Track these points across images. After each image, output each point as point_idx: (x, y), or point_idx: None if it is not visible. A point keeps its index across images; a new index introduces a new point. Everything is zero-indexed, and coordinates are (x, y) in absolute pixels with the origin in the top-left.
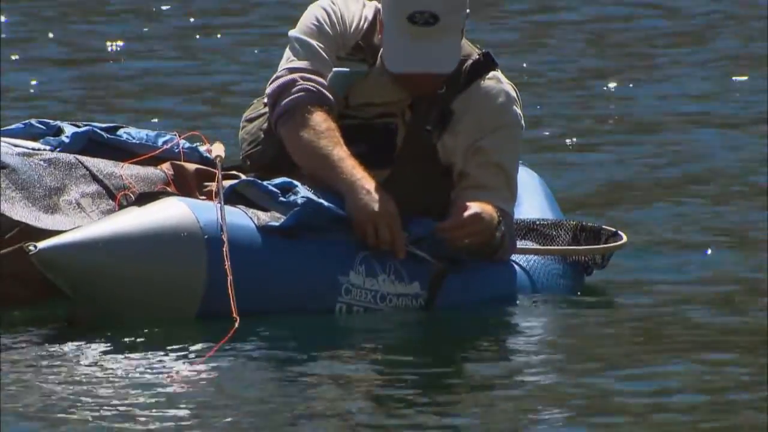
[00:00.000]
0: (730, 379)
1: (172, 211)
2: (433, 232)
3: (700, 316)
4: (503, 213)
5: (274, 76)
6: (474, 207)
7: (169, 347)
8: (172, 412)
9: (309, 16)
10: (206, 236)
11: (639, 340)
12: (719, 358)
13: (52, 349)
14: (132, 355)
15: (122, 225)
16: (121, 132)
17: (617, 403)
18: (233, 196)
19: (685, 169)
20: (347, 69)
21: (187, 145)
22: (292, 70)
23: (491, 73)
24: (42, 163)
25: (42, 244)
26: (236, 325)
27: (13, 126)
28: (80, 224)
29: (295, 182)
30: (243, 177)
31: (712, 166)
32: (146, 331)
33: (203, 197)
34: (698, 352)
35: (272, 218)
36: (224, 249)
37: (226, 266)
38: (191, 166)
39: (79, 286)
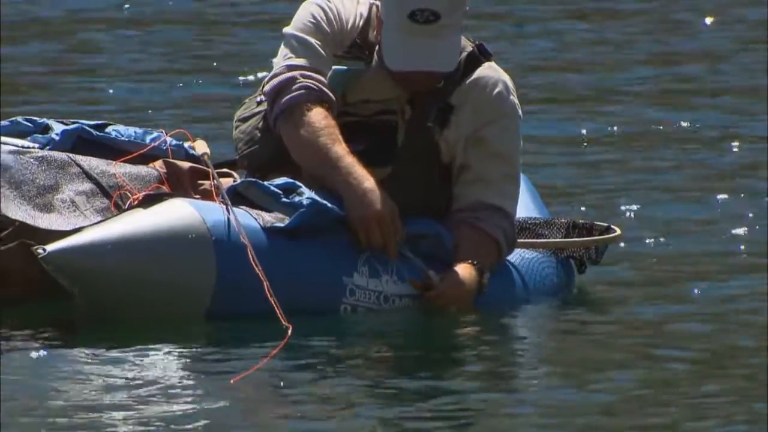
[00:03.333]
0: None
1: (179, 213)
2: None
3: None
4: (503, 214)
5: (272, 74)
6: (453, 279)
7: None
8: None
9: (305, 14)
10: (214, 237)
11: (637, 344)
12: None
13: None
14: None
15: (130, 227)
16: (109, 129)
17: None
18: (233, 197)
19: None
20: (345, 67)
21: (174, 142)
22: (291, 68)
23: (486, 64)
24: (34, 161)
25: (51, 247)
26: (290, 332)
27: None
28: (75, 223)
29: (299, 183)
30: (235, 174)
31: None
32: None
33: (198, 196)
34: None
35: (276, 219)
36: (249, 252)
37: (258, 271)
38: (185, 165)
39: (87, 288)
